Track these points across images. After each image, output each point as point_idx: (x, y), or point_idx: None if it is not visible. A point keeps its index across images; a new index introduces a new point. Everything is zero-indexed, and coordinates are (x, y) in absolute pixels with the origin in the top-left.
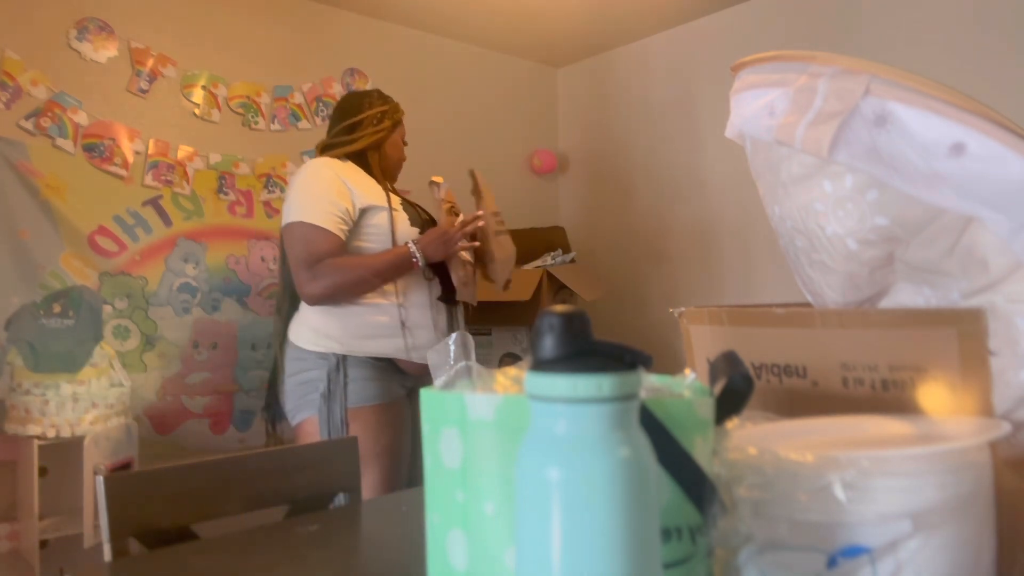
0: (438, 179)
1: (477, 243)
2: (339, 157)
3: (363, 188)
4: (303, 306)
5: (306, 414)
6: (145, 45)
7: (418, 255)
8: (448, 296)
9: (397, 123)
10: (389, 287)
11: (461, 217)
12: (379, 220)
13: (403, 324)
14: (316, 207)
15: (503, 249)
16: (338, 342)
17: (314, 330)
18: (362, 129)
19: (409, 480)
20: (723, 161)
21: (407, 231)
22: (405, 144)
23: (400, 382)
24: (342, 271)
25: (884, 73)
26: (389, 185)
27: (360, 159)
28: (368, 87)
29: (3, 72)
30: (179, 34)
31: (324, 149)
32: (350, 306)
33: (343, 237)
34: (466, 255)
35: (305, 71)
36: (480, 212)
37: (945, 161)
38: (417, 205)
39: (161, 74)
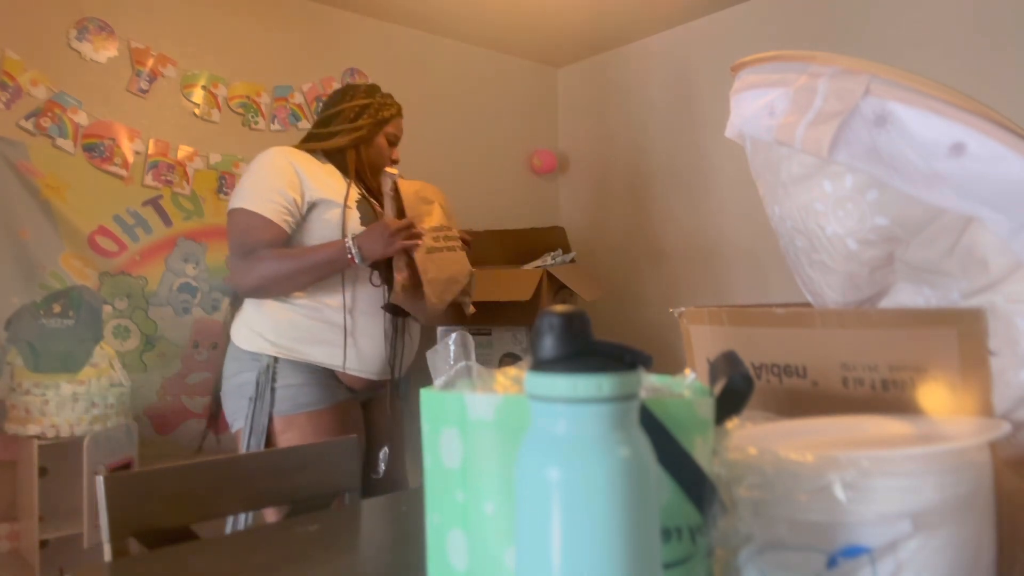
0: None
1: (419, 243)
2: (311, 152)
3: (317, 180)
4: (246, 302)
5: (241, 422)
6: (145, 45)
7: (354, 251)
8: (391, 304)
9: (381, 122)
10: (336, 290)
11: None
12: (330, 215)
13: (346, 332)
14: (260, 195)
15: (440, 269)
16: (271, 343)
17: (249, 328)
18: (336, 123)
19: (365, 489)
20: (723, 161)
21: (357, 230)
22: (392, 143)
23: (345, 389)
24: (274, 262)
25: (884, 73)
26: (356, 181)
27: (336, 157)
28: None
29: (3, 72)
30: (179, 34)
31: (301, 142)
32: (287, 306)
33: (287, 228)
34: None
35: (305, 71)
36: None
37: (945, 161)
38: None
39: (161, 74)
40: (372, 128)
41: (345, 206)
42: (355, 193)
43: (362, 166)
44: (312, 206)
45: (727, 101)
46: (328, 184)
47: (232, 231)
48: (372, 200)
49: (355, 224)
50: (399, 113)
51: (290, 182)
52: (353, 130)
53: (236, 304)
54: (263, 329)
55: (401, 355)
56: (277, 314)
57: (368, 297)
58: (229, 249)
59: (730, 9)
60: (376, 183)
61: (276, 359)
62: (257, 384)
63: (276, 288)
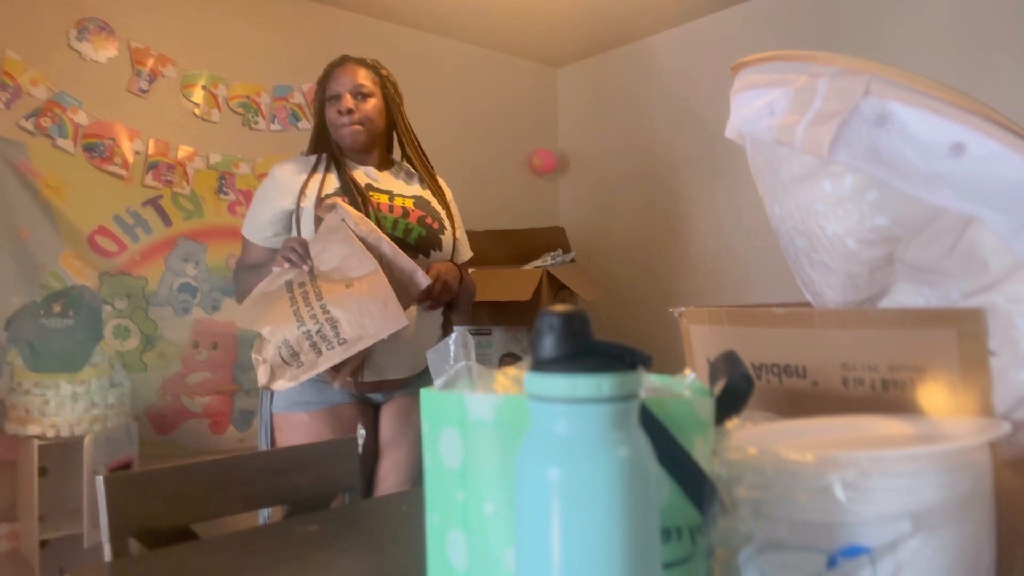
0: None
1: (287, 264)
2: (307, 153)
3: (286, 190)
4: None
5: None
6: (145, 45)
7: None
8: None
9: (323, 91)
10: None
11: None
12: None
13: None
14: (249, 219)
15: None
16: None
17: None
18: (312, 114)
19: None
20: (723, 161)
21: (310, 236)
22: (338, 97)
23: (347, 392)
24: (238, 281)
25: (884, 73)
26: (333, 167)
27: (325, 149)
28: None
29: (3, 72)
30: (179, 34)
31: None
32: None
33: (266, 245)
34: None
35: (305, 71)
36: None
37: (945, 161)
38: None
39: (161, 74)
40: (321, 104)
41: (298, 207)
42: (312, 194)
43: (331, 148)
44: (298, 215)
45: (727, 101)
46: (290, 190)
47: None
48: (352, 181)
49: (308, 230)
50: (338, 63)
51: (267, 199)
52: (317, 113)
53: None
54: None
55: None
56: None
57: None
58: None
59: (730, 9)
60: (366, 151)
61: None
62: None
63: None
